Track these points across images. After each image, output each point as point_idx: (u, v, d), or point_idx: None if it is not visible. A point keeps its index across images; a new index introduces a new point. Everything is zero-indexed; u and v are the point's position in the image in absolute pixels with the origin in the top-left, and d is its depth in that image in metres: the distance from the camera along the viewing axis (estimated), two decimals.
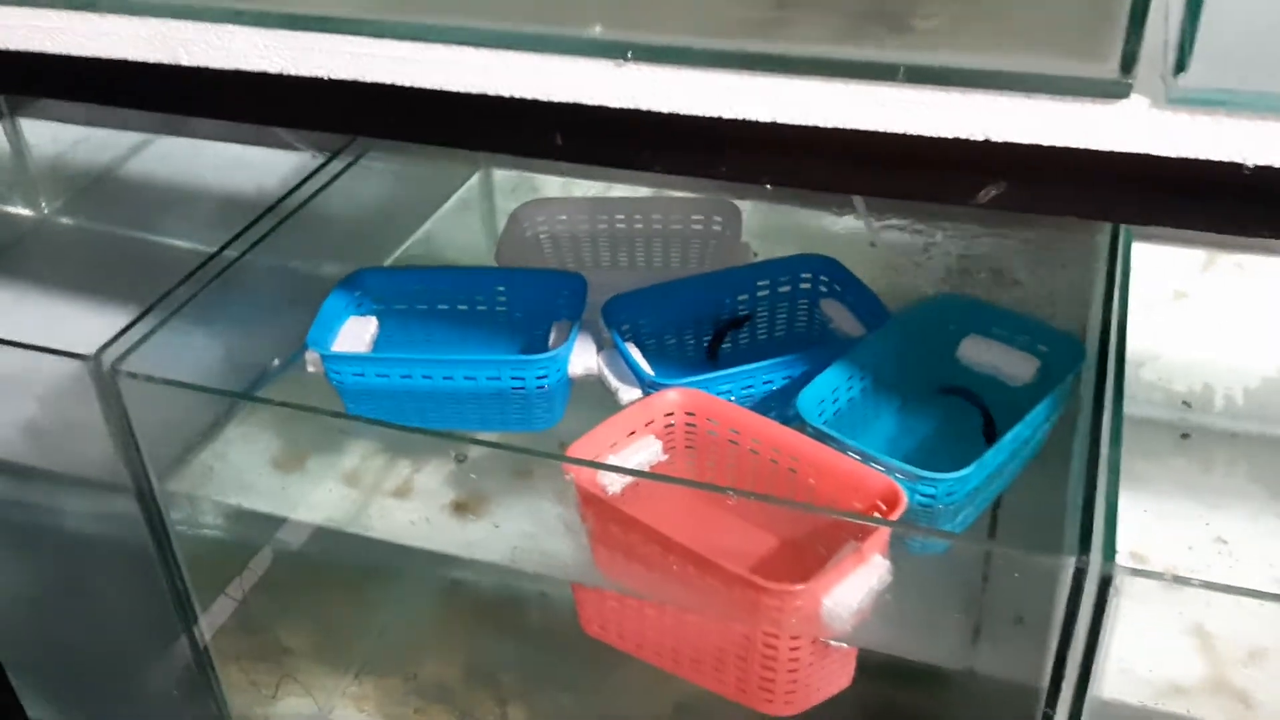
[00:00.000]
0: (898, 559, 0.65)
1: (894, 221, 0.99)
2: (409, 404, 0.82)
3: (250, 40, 0.58)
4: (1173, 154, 0.42)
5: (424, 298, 0.91)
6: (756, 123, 0.48)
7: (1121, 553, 0.81)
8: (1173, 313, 1.05)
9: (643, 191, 1.01)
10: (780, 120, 0.47)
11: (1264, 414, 0.97)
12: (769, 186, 0.94)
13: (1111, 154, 0.43)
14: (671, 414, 0.76)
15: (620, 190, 1.02)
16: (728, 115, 0.48)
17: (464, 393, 0.80)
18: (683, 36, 0.50)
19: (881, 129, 0.45)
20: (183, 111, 0.63)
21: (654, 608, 0.68)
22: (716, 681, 0.66)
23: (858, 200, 0.95)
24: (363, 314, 0.90)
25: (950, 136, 0.44)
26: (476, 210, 1.10)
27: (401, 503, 0.87)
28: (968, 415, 0.81)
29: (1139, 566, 0.57)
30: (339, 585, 1.03)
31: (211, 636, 0.92)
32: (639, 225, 0.97)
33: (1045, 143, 0.43)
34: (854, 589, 0.62)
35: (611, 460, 0.72)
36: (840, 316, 0.87)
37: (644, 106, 0.50)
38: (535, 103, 0.53)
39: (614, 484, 0.70)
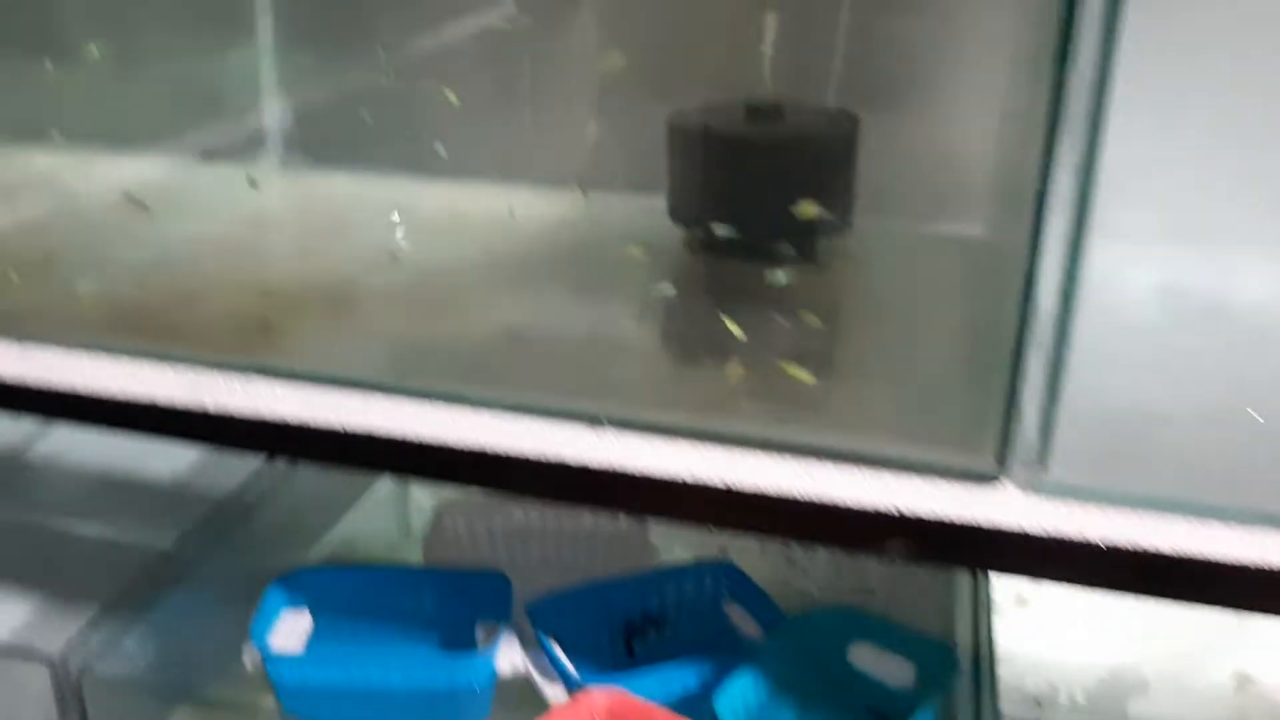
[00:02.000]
0: None
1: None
2: (344, 702, 0.86)
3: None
4: (1038, 532, 0.55)
5: (354, 596, 0.97)
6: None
7: None
8: (1018, 617, 1.20)
9: None
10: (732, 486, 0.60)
11: (1100, 710, 1.11)
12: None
13: (991, 529, 0.55)
14: (598, 714, 0.83)
15: None
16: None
17: (397, 692, 0.86)
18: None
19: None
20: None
21: None
22: None
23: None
24: (297, 610, 0.95)
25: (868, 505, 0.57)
26: (391, 505, 1.18)
27: None
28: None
29: None
30: None
31: None
32: (552, 523, 1.06)
33: (939, 515, 0.56)
34: None
35: None
36: (741, 619, 0.97)
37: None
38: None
39: None
